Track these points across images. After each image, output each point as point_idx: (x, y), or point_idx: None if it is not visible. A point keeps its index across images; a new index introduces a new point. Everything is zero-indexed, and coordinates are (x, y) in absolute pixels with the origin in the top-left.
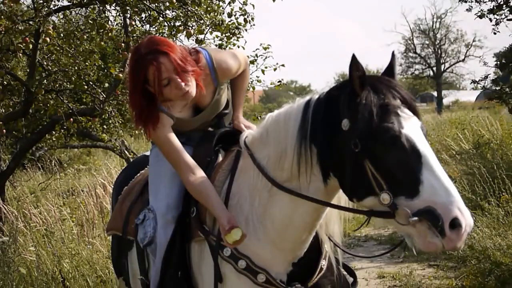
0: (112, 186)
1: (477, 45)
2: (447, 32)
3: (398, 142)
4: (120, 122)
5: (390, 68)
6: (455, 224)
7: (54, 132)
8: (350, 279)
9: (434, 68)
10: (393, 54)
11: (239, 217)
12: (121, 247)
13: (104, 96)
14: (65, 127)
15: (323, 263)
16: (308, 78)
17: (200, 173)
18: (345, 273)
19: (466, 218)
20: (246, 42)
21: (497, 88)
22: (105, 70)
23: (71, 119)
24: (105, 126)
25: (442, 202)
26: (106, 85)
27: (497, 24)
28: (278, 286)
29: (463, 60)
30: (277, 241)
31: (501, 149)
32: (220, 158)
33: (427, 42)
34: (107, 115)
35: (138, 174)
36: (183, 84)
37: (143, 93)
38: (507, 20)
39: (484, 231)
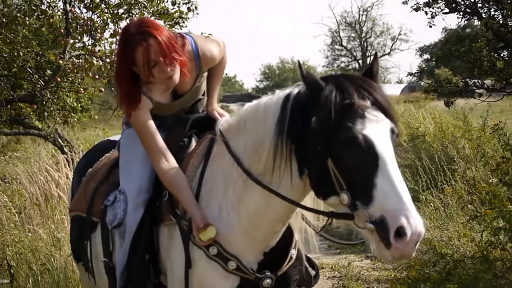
0: (57, 173)
1: (402, 38)
2: (373, 25)
3: (356, 143)
4: (58, 109)
5: (370, 70)
6: (400, 233)
7: None
8: (313, 272)
9: (360, 61)
10: (375, 57)
11: (212, 203)
12: (83, 228)
13: (43, 83)
14: (1, 114)
15: (293, 252)
16: (233, 69)
17: (173, 163)
18: (307, 265)
19: (413, 226)
20: (189, 31)
21: (430, 82)
22: (44, 57)
23: (9, 105)
24: (46, 113)
25: (391, 210)
26: (48, 71)
27: (432, 17)
28: (248, 274)
29: (388, 54)
30: (250, 230)
31: (434, 142)
32: (194, 144)
33: (353, 35)
34: (45, 102)
35: (104, 157)
36: (168, 68)
37: (130, 74)
38: (443, 13)
39: (425, 223)
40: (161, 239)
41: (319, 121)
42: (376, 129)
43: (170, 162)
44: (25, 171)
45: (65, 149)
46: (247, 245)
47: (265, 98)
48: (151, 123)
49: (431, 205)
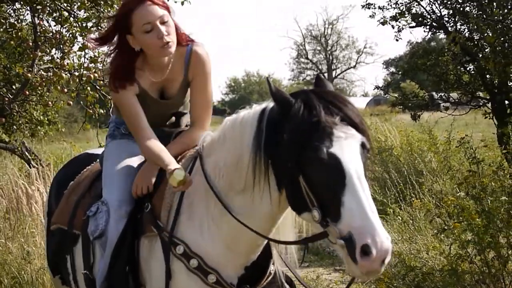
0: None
1: (368, 52)
2: (339, 38)
3: (323, 162)
4: (26, 122)
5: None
6: (366, 251)
7: None
8: None
9: (326, 74)
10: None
11: (194, 216)
12: (64, 241)
13: (11, 97)
14: None
15: (272, 268)
16: None
17: (155, 140)
18: (284, 283)
19: (378, 245)
20: None
21: (397, 96)
22: (12, 70)
23: None
24: (14, 127)
25: (357, 227)
26: (17, 85)
27: (399, 31)
28: None
29: (354, 67)
30: (231, 244)
31: (401, 155)
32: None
33: (318, 48)
34: (14, 115)
35: (85, 170)
36: (165, 33)
37: (124, 43)
38: (410, 27)
39: (392, 236)
40: (141, 250)
41: (288, 138)
42: (344, 146)
43: (152, 138)
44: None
45: (32, 162)
46: (228, 259)
47: (243, 112)
48: (136, 102)
49: (399, 218)
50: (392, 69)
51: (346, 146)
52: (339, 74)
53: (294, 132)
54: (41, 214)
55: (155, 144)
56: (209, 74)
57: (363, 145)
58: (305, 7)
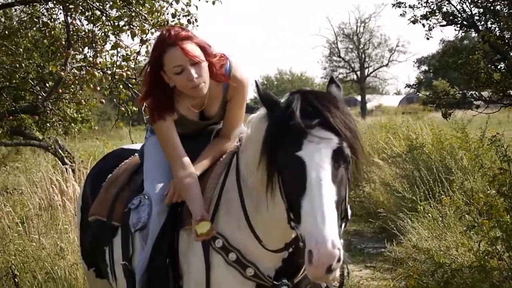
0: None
1: (400, 50)
2: (371, 36)
3: (289, 164)
4: (59, 120)
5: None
6: (309, 257)
7: None
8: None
9: (358, 73)
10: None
11: (231, 211)
12: (103, 233)
13: (44, 95)
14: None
15: None
16: None
17: (190, 170)
18: None
19: (321, 251)
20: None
21: (428, 94)
22: (45, 68)
23: (11, 116)
24: (48, 124)
25: (308, 232)
26: (50, 83)
27: (430, 29)
28: (266, 281)
29: (386, 65)
30: (265, 239)
31: (433, 153)
32: None
33: (351, 46)
34: (47, 112)
35: (123, 163)
36: (195, 75)
37: (160, 78)
38: (440, 26)
39: (422, 233)
40: (180, 243)
41: (266, 139)
42: (313, 150)
43: (186, 169)
44: (27, 181)
45: (65, 159)
46: (264, 253)
47: (262, 111)
48: (174, 132)
49: (429, 216)
50: (425, 67)
51: (316, 151)
52: (371, 73)
53: (270, 133)
54: (73, 210)
55: (189, 178)
56: (246, 96)
57: (338, 151)
58: (313, 7)
